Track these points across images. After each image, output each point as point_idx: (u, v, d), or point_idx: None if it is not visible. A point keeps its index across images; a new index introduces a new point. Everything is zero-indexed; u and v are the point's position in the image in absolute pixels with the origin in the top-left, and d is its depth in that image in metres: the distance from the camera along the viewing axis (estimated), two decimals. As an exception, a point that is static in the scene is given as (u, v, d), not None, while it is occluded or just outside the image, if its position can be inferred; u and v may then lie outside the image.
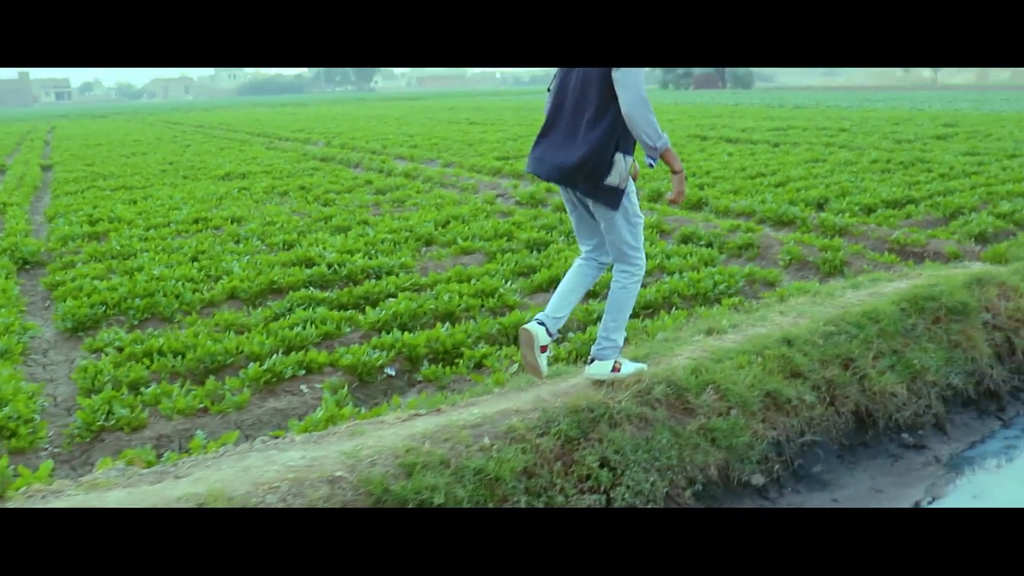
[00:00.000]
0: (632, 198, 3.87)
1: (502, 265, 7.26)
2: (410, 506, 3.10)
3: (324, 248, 8.07)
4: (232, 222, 10.15)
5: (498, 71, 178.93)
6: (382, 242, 8.33)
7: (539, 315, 4.01)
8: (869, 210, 9.77)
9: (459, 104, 52.61)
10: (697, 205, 10.33)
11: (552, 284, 6.79)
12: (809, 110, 34.11)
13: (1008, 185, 10.99)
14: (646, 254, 4.07)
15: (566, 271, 6.90)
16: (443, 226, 9.21)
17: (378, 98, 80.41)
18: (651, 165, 3.76)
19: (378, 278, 7.09)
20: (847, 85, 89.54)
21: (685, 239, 8.41)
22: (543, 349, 3.93)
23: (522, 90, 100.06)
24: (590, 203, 3.87)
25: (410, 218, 9.64)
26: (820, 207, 10.16)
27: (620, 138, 3.72)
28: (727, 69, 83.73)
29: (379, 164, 16.18)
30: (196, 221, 10.27)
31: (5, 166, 19.63)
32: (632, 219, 3.87)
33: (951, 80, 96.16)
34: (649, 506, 3.53)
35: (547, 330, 3.93)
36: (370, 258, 7.69)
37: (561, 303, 4.02)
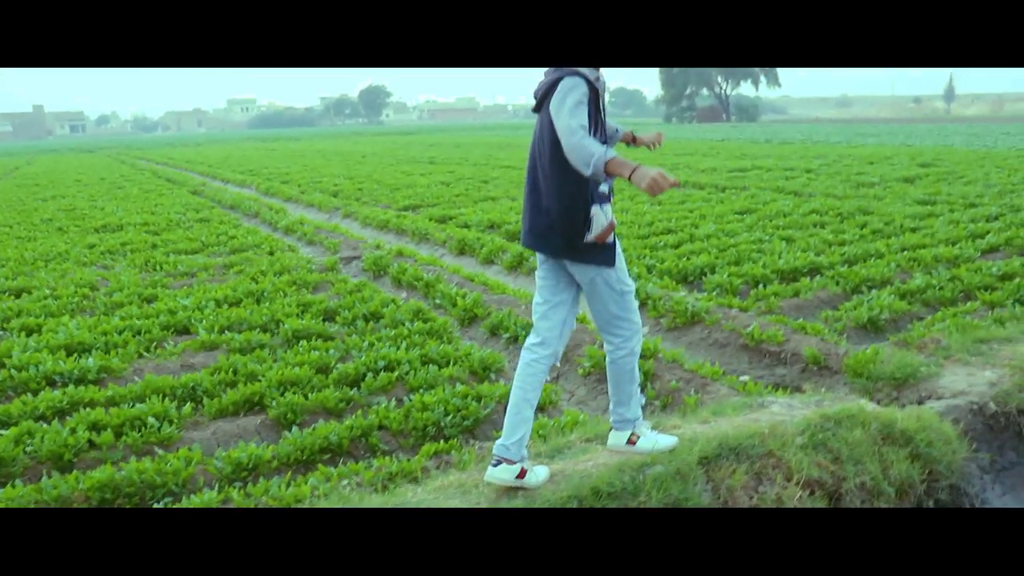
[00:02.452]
0: (619, 262, 3.52)
1: (214, 374, 5.66)
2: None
3: (37, 342, 6.54)
4: (12, 295, 8.68)
5: (510, 104, 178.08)
6: (119, 332, 6.77)
7: (495, 448, 3.48)
8: (756, 283, 8.13)
9: (442, 140, 51.46)
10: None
11: (246, 405, 5.18)
12: (794, 146, 32.53)
13: (941, 248, 9.27)
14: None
15: (286, 381, 5.34)
16: (219, 306, 7.62)
17: (378, 131, 79.81)
18: (607, 190, 3.38)
19: (64, 386, 5.56)
20: (858, 117, 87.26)
21: (493, 329, 6.79)
22: (521, 475, 3.44)
23: (523, 123, 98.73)
24: (573, 268, 3.48)
25: (197, 293, 8.07)
26: (702, 277, 8.53)
27: (591, 187, 3.32)
28: (731, 102, 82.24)
29: (272, 216, 14.74)
30: (-26, 291, 8.81)
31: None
32: (617, 286, 3.52)
33: (964, 112, 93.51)
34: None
35: (507, 460, 3.43)
36: (79, 357, 6.14)
37: (515, 422, 3.47)
